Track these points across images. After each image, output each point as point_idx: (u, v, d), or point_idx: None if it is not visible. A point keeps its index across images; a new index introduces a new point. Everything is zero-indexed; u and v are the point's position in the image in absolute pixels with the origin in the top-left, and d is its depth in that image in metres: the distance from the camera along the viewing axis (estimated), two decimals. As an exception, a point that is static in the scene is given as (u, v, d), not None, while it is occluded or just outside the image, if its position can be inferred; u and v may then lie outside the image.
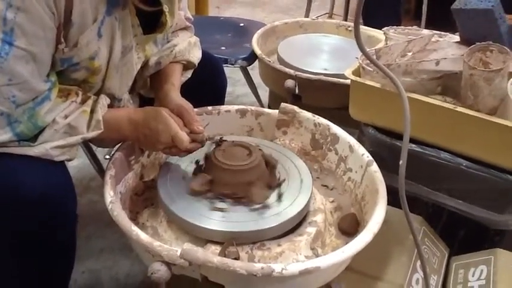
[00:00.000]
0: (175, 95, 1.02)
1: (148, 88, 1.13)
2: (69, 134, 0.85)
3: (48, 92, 0.83)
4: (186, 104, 0.98)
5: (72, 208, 0.88)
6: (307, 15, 2.44)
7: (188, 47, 1.13)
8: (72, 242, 0.93)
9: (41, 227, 0.82)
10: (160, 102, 1.02)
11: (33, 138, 0.82)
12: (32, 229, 0.82)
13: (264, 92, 1.83)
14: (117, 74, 0.96)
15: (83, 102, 0.89)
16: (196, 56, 1.15)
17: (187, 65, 1.14)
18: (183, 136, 0.91)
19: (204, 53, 1.18)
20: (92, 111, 0.89)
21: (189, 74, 1.15)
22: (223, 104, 1.19)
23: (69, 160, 0.88)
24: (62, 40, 0.83)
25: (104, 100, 0.92)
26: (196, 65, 1.15)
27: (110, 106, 0.95)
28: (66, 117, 0.85)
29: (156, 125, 0.90)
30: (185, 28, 1.17)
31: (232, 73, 2.02)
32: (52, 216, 0.82)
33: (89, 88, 0.93)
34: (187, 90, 1.08)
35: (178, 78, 1.09)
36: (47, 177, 0.81)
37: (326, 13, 2.77)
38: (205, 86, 1.18)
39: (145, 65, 1.06)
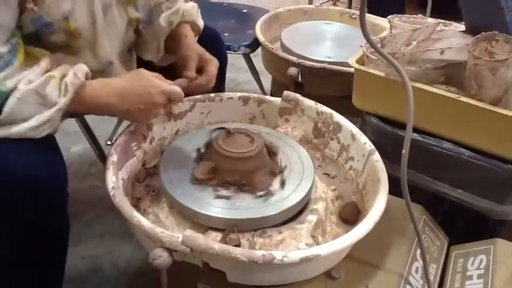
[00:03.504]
0: (190, 41, 1.06)
1: (161, 56, 1.13)
2: (42, 104, 0.79)
3: (9, 57, 0.77)
4: (195, 55, 1.03)
5: (63, 183, 0.84)
6: (310, 2, 2.42)
7: (193, 9, 1.13)
8: (64, 223, 0.91)
9: (30, 205, 0.79)
10: (180, 51, 1.06)
11: None
12: (21, 207, 0.79)
13: (267, 79, 1.82)
14: (104, 35, 0.95)
15: (52, 68, 0.83)
16: (200, 21, 1.15)
17: (193, 29, 1.14)
18: (175, 88, 0.91)
19: (204, 26, 1.18)
20: (63, 77, 0.82)
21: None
22: (224, 79, 1.18)
23: (53, 133, 0.84)
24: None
25: (80, 69, 0.85)
26: (201, 29, 1.16)
27: (102, 72, 0.94)
28: (30, 82, 0.78)
29: (145, 88, 0.88)
30: None
31: (235, 60, 2.01)
32: (41, 192, 0.79)
33: (75, 52, 0.91)
34: None
35: (191, 35, 1.10)
36: (33, 151, 0.78)
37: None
38: None
39: (156, 26, 1.08)
